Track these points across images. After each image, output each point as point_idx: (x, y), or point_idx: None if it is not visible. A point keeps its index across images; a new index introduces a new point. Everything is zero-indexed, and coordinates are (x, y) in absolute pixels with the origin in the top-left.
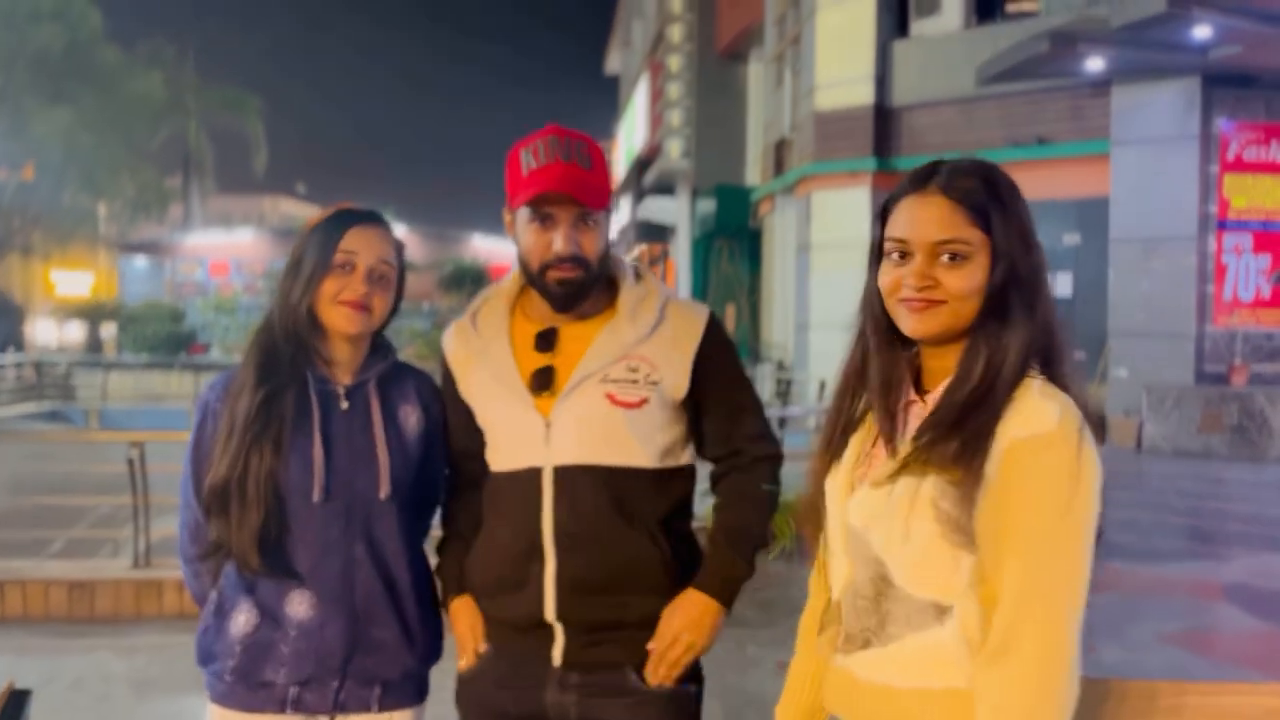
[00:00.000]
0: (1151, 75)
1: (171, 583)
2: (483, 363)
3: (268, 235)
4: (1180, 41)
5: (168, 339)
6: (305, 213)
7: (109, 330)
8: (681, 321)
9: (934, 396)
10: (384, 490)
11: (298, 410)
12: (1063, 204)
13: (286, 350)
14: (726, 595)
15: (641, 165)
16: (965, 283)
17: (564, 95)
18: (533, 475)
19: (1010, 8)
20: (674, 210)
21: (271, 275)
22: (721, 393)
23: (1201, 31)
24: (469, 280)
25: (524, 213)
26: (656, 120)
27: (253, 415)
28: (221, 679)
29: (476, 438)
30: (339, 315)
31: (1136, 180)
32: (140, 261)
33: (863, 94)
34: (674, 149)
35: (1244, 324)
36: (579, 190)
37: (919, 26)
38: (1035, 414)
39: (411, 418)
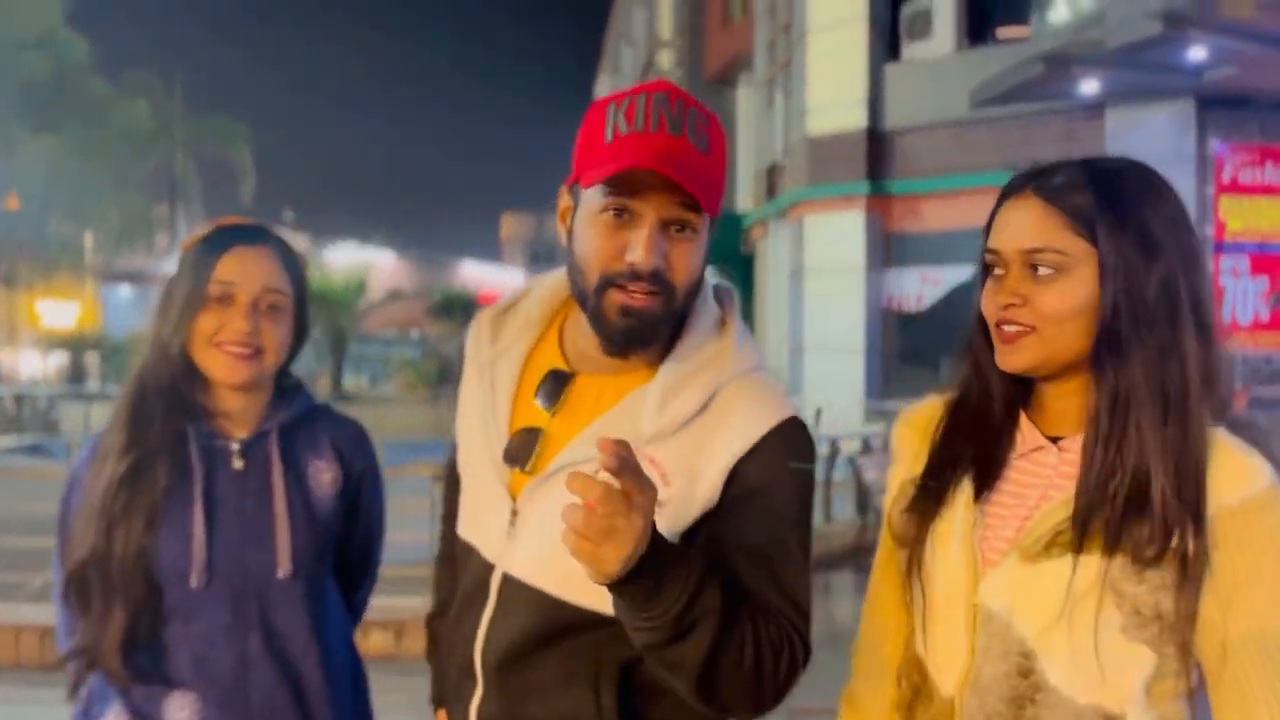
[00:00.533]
0: (1146, 98)
1: None
2: (479, 385)
3: None
4: (1175, 63)
5: None
6: (294, 242)
7: (93, 361)
8: (733, 418)
9: (1078, 444)
10: (283, 568)
11: (175, 475)
12: None
13: (159, 403)
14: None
15: None
16: (1058, 302)
17: (554, 120)
18: (485, 572)
19: (1002, 32)
20: None
21: None
22: (757, 527)
23: (1196, 53)
24: (458, 308)
25: (594, 196)
26: None
27: (117, 485)
28: None
29: None
30: (217, 362)
31: None
32: (125, 291)
33: (855, 118)
34: None
35: (1242, 347)
36: (686, 176)
37: (910, 50)
38: (1239, 474)
39: (325, 475)
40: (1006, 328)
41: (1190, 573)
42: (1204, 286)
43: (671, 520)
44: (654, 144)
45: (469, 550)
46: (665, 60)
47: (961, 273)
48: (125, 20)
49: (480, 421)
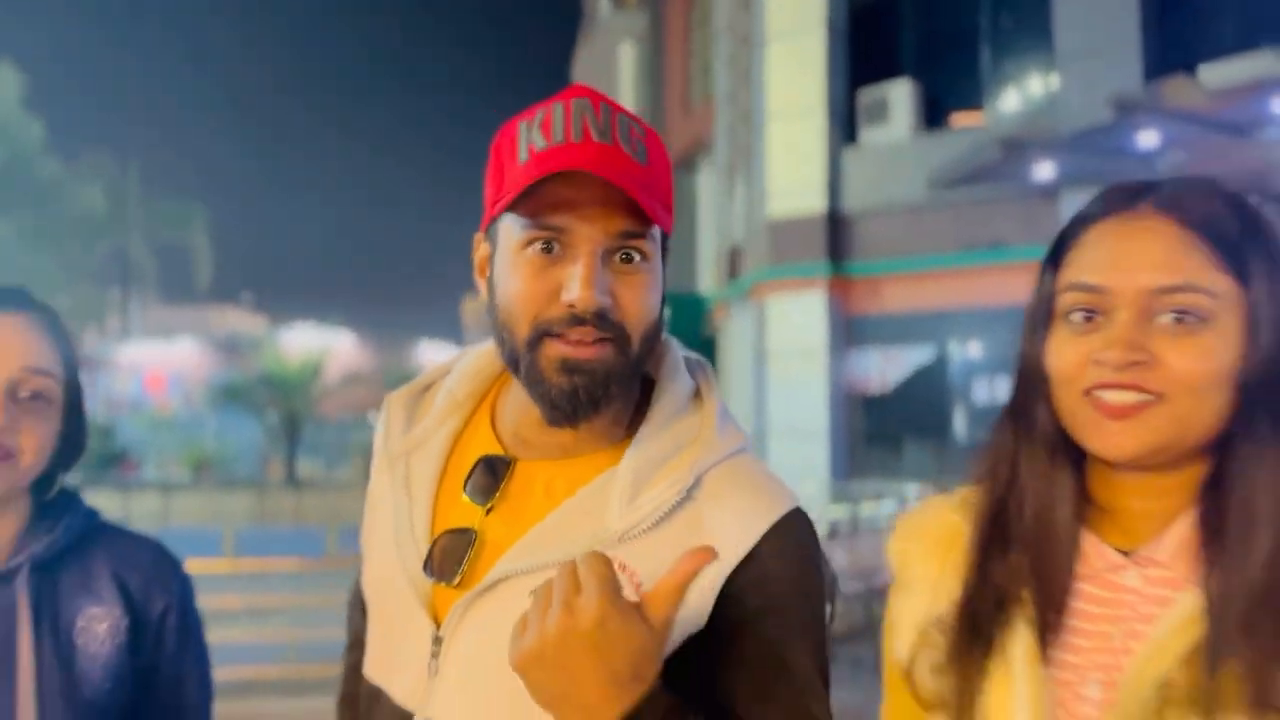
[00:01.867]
0: (1100, 181)
1: None
2: (390, 483)
3: (210, 347)
4: (1126, 149)
5: (96, 457)
6: (251, 323)
7: None
8: (722, 514)
9: (1166, 553)
10: None
11: None
12: (1018, 309)
13: None
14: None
15: None
16: (1202, 363)
17: None
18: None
19: (956, 119)
20: None
21: (214, 387)
22: (765, 655)
23: (1147, 139)
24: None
25: (512, 228)
26: None
27: None
28: None
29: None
30: None
31: None
32: None
33: (814, 202)
34: None
35: None
36: (625, 180)
37: (868, 134)
38: None
39: (100, 626)
40: (1118, 396)
41: None
42: None
43: None
44: (581, 153)
45: (376, 695)
46: None
47: (923, 354)
48: (79, 101)
49: (393, 528)
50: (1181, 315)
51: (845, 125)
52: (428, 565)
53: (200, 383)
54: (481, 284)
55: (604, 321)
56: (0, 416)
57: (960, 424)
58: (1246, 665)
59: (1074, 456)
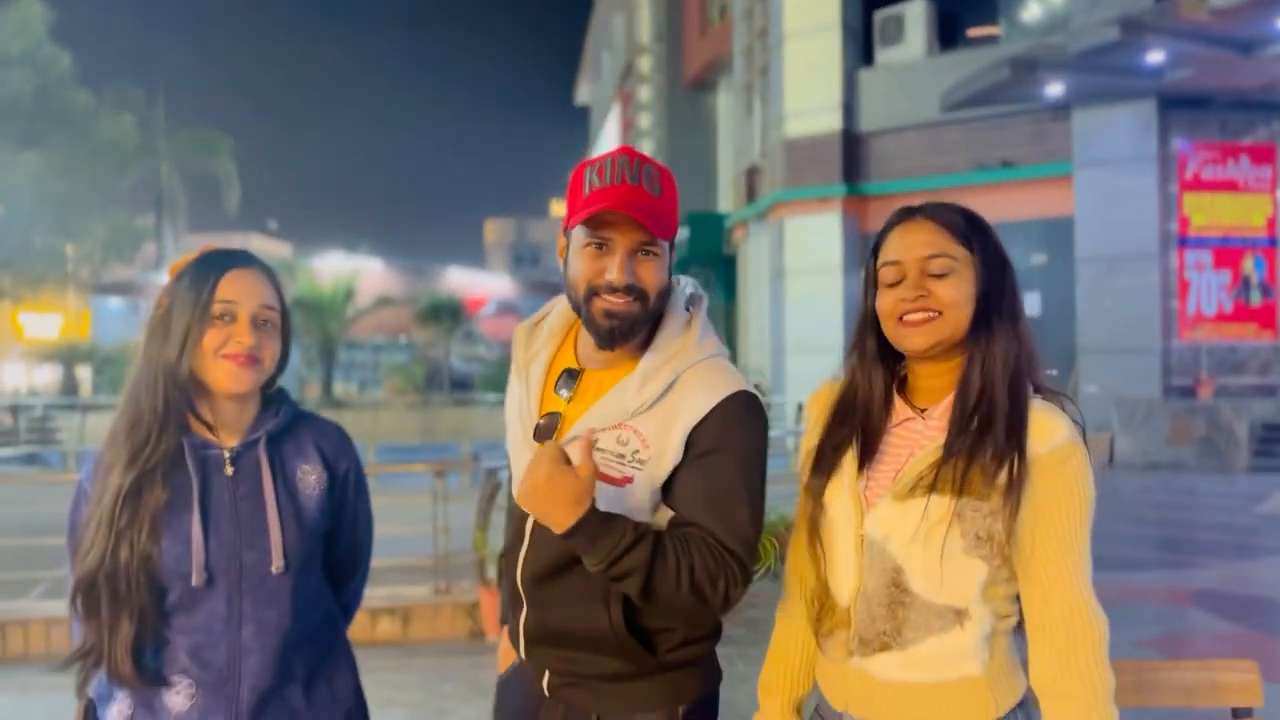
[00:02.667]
0: (1109, 99)
1: None
2: (517, 383)
3: None
4: (1135, 66)
5: None
6: (278, 250)
7: (84, 372)
8: (691, 395)
9: (939, 413)
10: (276, 564)
11: (174, 484)
12: (1028, 224)
13: (155, 419)
14: (586, 538)
15: None
16: (954, 292)
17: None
18: (522, 520)
19: (972, 33)
20: None
21: None
22: (707, 478)
23: (1155, 56)
24: (445, 314)
25: (579, 234)
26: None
27: (122, 500)
28: None
29: None
30: (224, 372)
31: (1099, 201)
32: (114, 303)
33: (830, 121)
34: None
35: (1208, 338)
36: (643, 214)
37: (884, 55)
38: (1048, 431)
39: (311, 477)
40: (913, 316)
41: (1011, 501)
42: (1020, 293)
43: (650, 476)
44: (619, 193)
45: (513, 500)
46: (645, 65)
47: None
48: (107, 33)
49: (517, 411)
50: (940, 271)
51: (861, 45)
52: (536, 433)
53: None
54: (561, 263)
55: (631, 290)
56: (251, 337)
57: None
58: (953, 468)
59: (888, 362)
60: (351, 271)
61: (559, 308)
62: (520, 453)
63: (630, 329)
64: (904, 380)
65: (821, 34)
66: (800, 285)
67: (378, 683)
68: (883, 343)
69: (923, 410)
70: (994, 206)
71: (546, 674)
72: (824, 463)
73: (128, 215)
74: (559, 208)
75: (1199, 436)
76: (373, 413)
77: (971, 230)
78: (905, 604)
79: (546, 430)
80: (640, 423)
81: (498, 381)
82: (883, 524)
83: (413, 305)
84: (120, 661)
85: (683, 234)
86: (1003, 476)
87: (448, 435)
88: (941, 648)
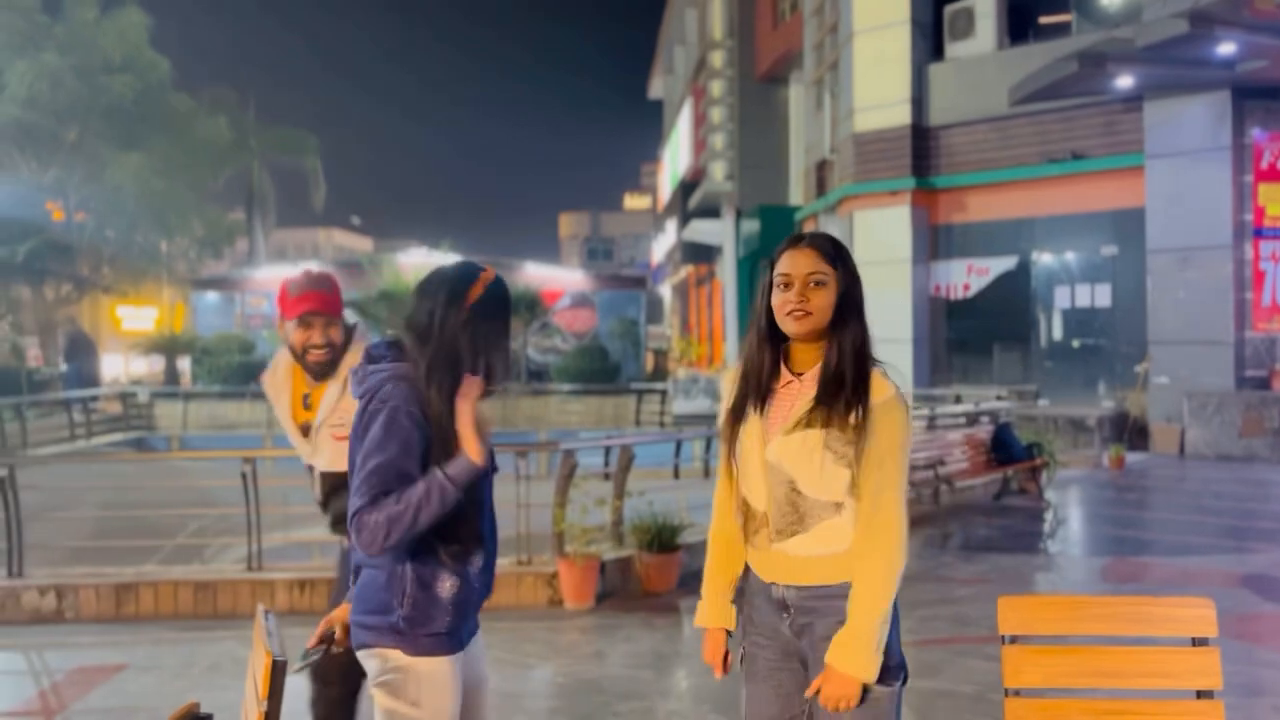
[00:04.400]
0: (1182, 90)
1: (281, 583)
2: (276, 403)
3: (330, 268)
4: (1206, 58)
5: (239, 370)
6: (360, 244)
7: (184, 363)
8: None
9: (810, 376)
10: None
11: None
12: (1098, 216)
13: (449, 374)
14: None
15: (686, 188)
16: (825, 299)
17: (610, 121)
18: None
19: (1044, 20)
20: (719, 232)
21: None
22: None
23: (1226, 48)
24: (522, 306)
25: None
26: (700, 144)
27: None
28: (440, 638)
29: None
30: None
31: (1171, 191)
32: (211, 296)
33: (900, 115)
34: (718, 172)
35: None
36: (327, 306)
37: (953, 49)
38: (880, 389)
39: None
40: (796, 312)
41: (859, 435)
42: (863, 297)
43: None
44: (313, 298)
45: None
46: (717, 60)
47: (1006, 262)
48: (201, 37)
49: (286, 417)
50: (817, 282)
51: (931, 40)
52: (305, 432)
53: None
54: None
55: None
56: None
57: (1043, 329)
58: (822, 413)
59: (774, 342)
60: (433, 266)
61: (283, 361)
62: (298, 439)
63: (330, 367)
64: (785, 354)
65: (891, 29)
66: (870, 277)
67: None
68: (770, 328)
69: (799, 375)
70: (1063, 199)
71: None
72: (737, 414)
73: (221, 212)
74: (632, 201)
75: (1273, 428)
76: None
77: (837, 255)
78: (800, 503)
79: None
80: (344, 406)
81: (572, 372)
82: (777, 451)
83: None
84: (473, 541)
85: (753, 227)
86: (854, 417)
87: (524, 424)
88: (829, 529)
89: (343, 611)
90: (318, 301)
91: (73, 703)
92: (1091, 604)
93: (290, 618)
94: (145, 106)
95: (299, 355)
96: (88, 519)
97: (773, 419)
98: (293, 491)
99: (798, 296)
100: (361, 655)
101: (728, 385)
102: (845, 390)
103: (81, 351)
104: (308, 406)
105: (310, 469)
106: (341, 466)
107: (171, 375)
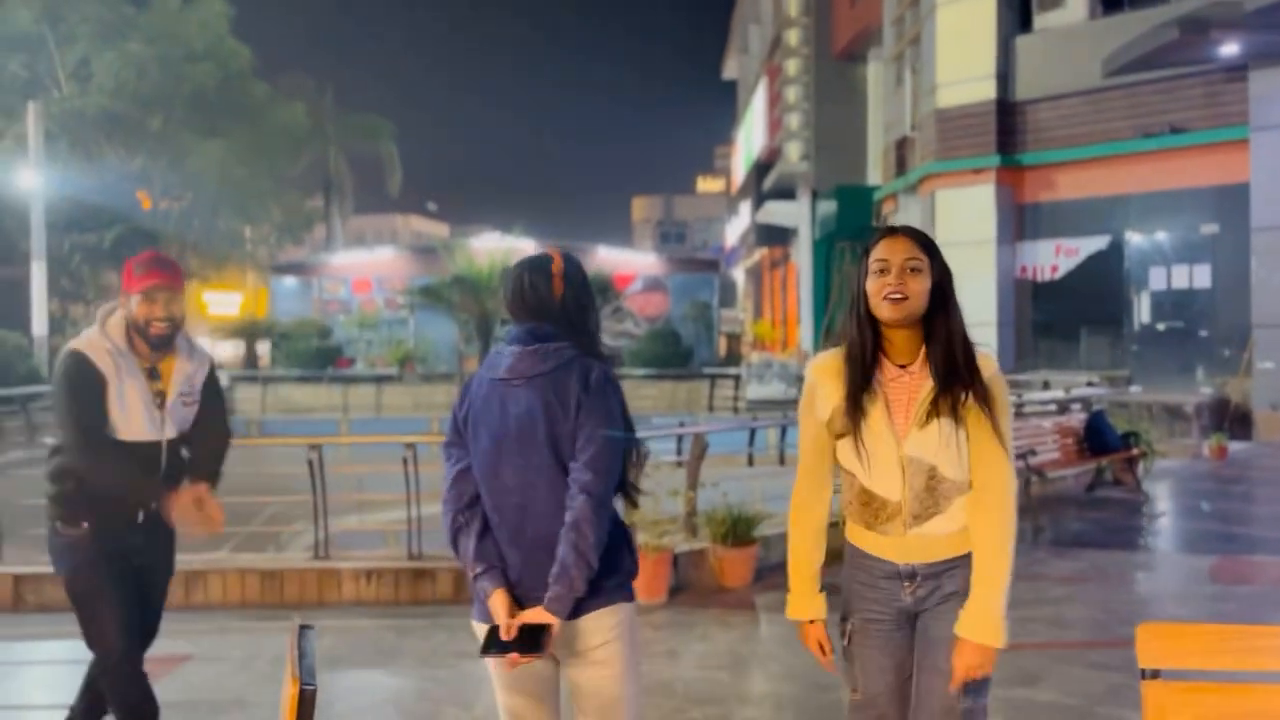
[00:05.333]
0: None
1: (348, 572)
2: (131, 384)
3: (406, 253)
4: None
5: (317, 354)
6: (436, 229)
7: (263, 347)
8: (197, 353)
9: (917, 367)
10: None
11: None
12: (1198, 192)
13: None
14: None
15: (761, 169)
16: (920, 286)
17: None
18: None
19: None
20: (794, 213)
21: (411, 291)
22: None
23: None
24: (595, 290)
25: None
26: (775, 124)
27: None
28: (632, 591)
29: None
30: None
31: (1278, 166)
32: (289, 282)
33: (984, 90)
34: (793, 152)
35: None
36: (175, 281)
37: (1042, 20)
38: (988, 365)
39: None
40: (895, 295)
41: (977, 412)
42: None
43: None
44: (161, 275)
45: None
46: (793, 38)
47: (1098, 242)
48: (279, 25)
49: (140, 396)
50: (914, 269)
51: (1018, 11)
52: (159, 403)
53: (400, 286)
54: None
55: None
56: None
57: (1137, 312)
58: (947, 400)
59: (874, 328)
60: (506, 250)
61: (107, 345)
62: (149, 411)
63: (170, 340)
64: (882, 344)
65: (976, 1)
66: (952, 259)
67: None
68: (868, 314)
69: (904, 366)
70: (1160, 174)
71: None
72: (855, 409)
73: (299, 198)
74: (706, 183)
75: None
76: None
77: (931, 246)
78: (940, 486)
79: (160, 397)
80: (195, 375)
81: (645, 356)
82: (917, 445)
83: None
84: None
85: (829, 208)
86: (972, 397)
87: None
88: (958, 506)
89: (536, 613)
90: (163, 278)
91: None
92: (1252, 635)
93: (355, 609)
94: (226, 95)
95: (141, 328)
96: None
97: (897, 414)
98: (367, 478)
99: (896, 280)
100: (593, 616)
101: (819, 377)
102: (961, 376)
103: None
104: (154, 378)
105: (143, 446)
106: (182, 430)
107: (251, 359)
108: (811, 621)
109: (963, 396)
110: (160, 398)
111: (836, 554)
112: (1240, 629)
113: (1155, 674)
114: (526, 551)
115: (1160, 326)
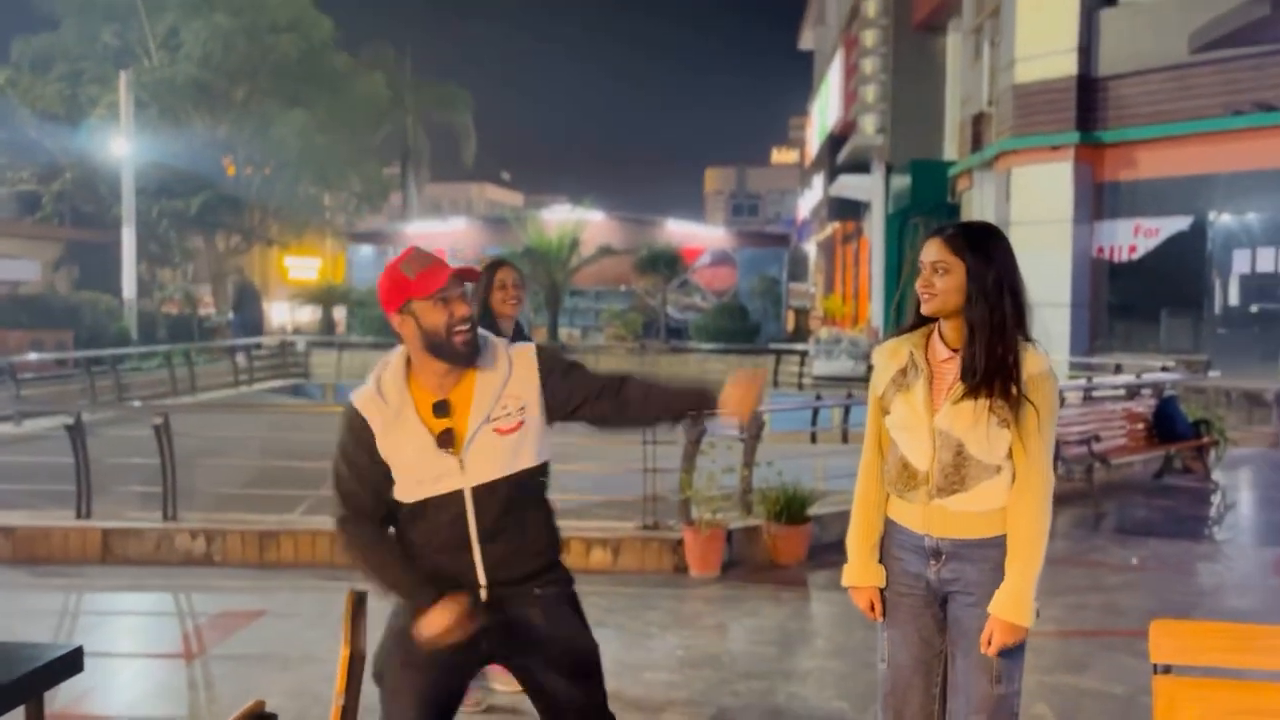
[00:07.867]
0: None
1: None
2: (398, 428)
3: (479, 223)
4: None
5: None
6: (510, 199)
7: (340, 313)
8: (519, 359)
9: (961, 350)
10: None
11: None
12: None
13: None
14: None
15: (835, 142)
16: (945, 285)
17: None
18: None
19: None
20: (868, 187)
21: (484, 261)
22: (570, 380)
23: None
24: (663, 264)
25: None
26: (851, 96)
27: None
28: None
29: None
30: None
31: None
32: (366, 250)
33: (1065, 65)
34: (868, 125)
35: None
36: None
37: None
38: (1032, 364)
39: None
40: (924, 294)
41: (1015, 403)
42: (1020, 280)
43: (531, 416)
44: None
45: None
46: (871, 8)
47: (1179, 222)
48: None
49: (412, 444)
50: (942, 270)
51: None
52: (440, 442)
53: (473, 255)
54: (411, 330)
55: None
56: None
57: (1218, 295)
58: (982, 384)
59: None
60: (576, 222)
61: (387, 374)
62: (430, 461)
63: (476, 347)
64: (935, 331)
65: None
66: (1028, 237)
67: (589, 605)
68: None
69: (955, 350)
70: (1249, 154)
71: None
72: (901, 386)
73: (378, 167)
74: (780, 155)
75: None
76: (594, 357)
77: (967, 245)
78: (966, 464)
79: (448, 439)
80: (510, 392)
81: (711, 330)
82: (948, 418)
83: (632, 255)
84: None
85: (903, 182)
86: (1011, 389)
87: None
88: (987, 489)
89: None
90: (452, 271)
91: (213, 647)
92: (1264, 635)
93: None
94: (308, 65)
95: (442, 340)
96: (238, 466)
97: (938, 391)
98: None
99: (924, 281)
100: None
101: (881, 357)
102: (980, 369)
103: (248, 301)
104: (444, 414)
105: (427, 503)
106: (502, 472)
107: (328, 325)
108: (867, 588)
109: (995, 387)
110: (446, 438)
111: None
112: (1253, 628)
113: (1167, 669)
114: None
115: (1243, 310)
